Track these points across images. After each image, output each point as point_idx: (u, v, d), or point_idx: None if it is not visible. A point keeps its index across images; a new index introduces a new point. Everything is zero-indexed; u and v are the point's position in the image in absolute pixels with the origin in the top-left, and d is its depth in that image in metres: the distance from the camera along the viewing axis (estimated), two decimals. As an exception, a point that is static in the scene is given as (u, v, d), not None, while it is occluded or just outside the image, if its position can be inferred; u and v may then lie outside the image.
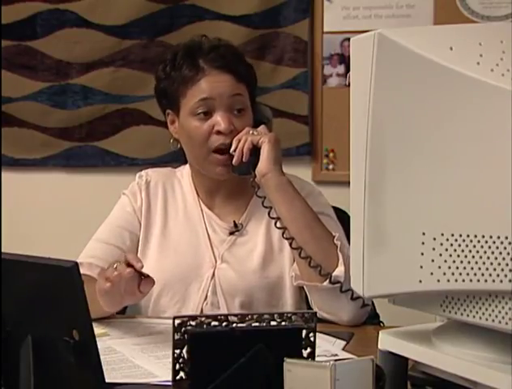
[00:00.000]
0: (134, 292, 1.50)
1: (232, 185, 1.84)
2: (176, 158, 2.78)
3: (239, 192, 1.85)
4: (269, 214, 1.71)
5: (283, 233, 1.69)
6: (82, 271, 1.73)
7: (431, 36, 1.05)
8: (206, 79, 1.76)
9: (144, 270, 1.73)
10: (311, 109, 2.82)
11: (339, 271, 1.64)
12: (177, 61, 1.79)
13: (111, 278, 1.49)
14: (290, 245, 1.69)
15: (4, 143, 3.02)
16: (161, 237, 1.84)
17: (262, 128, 1.77)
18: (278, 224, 1.70)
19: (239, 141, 1.74)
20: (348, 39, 1.15)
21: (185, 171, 1.92)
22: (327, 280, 1.64)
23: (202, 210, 1.86)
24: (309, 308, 1.74)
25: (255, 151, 1.73)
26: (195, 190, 1.88)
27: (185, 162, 1.91)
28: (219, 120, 1.75)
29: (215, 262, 1.80)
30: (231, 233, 1.83)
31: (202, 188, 1.87)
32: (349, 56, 1.12)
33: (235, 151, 1.73)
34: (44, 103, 3.00)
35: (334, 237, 1.69)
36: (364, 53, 1.07)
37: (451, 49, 1.01)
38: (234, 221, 1.83)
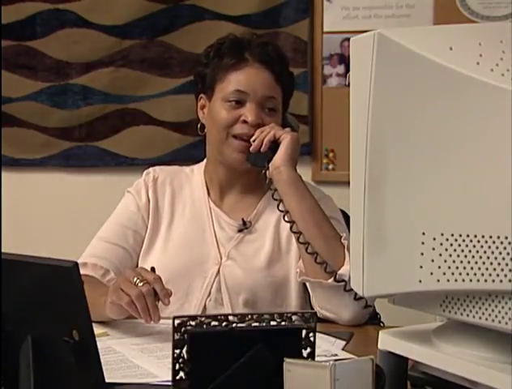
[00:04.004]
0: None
1: (244, 181, 1.85)
2: (176, 158, 2.79)
3: (250, 190, 1.86)
4: (278, 207, 1.72)
5: (291, 227, 1.70)
6: (86, 271, 1.76)
7: (431, 36, 1.05)
8: (247, 69, 1.79)
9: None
10: (311, 109, 2.82)
11: (344, 270, 1.64)
12: (222, 50, 1.82)
13: (139, 308, 1.50)
14: (297, 239, 1.70)
15: (4, 143, 3.02)
16: (167, 234, 1.85)
17: (287, 129, 1.80)
18: (286, 218, 1.71)
19: (262, 132, 1.76)
20: (348, 39, 1.15)
21: (196, 168, 1.94)
22: (332, 278, 1.64)
23: (210, 207, 1.87)
24: (312, 309, 1.74)
25: (274, 146, 1.74)
26: (206, 187, 1.89)
27: (197, 160, 1.93)
28: (248, 111, 1.77)
29: (221, 259, 1.81)
30: (239, 231, 1.83)
31: (215, 183, 1.88)
32: (349, 56, 1.12)
33: (255, 141, 1.75)
34: (44, 103, 3.00)
35: (341, 237, 1.69)
36: (364, 53, 1.07)
37: (451, 49, 1.01)
38: (243, 219, 1.84)
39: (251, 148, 1.76)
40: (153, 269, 1.58)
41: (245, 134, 1.77)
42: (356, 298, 1.61)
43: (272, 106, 1.80)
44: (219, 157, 1.84)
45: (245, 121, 1.77)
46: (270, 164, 1.75)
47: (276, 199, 1.73)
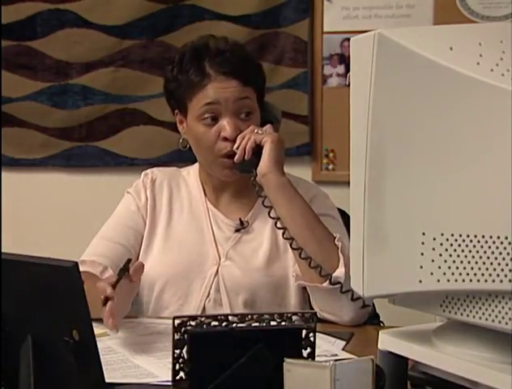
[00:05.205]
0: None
1: (238, 183, 1.84)
2: (176, 158, 2.79)
3: (246, 190, 1.85)
4: (269, 214, 1.72)
5: (283, 233, 1.69)
6: (83, 268, 1.75)
7: (431, 36, 1.05)
8: (212, 84, 1.75)
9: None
10: (311, 109, 2.82)
11: (339, 272, 1.64)
12: (184, 65, 1.79)
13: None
14: (290, 245, 1.69)
15: (4, 143, 3.02)
16: (165, 234, 1.85)
17: (267, 127, 1.77)
18: (278, 224, 1.70)
19: (243, 139, 1.74)
20: (348, 39, 1.15)
21: (191, 170, 1.93)
22: (327, 281, 1.64)
23: (207, 208, 1.87)
24: (312, 308, 1.74)
25: (258, 150, 1.73)
26: (202, 188, 1.89)
27: (194, 161, 1.92)
28: (225, 125, 1.75)
29: (219, 259, 1.81)
30: (236, 231, 1.83)
31: (209, 186, 1.88)
32: (349, 56, 1.12)
33: (238, 148, 1.74)
34: (44, 103, 3.00)
35: (335, 237, 1.69)
36: (364, 53, 1.07)
37: (451, 49, 1.01)
38: (240, 219, 1.83)
39: (235, 159, 1.74)
40: (129, 261, 1.55)
41: (229, 151, 1.75)
42: (354, 299, 1.61)
43: (248, 109, 1.77)
44: (210, 172, 1.84)
45: (225, 138, 1.76)
46: (257, 171, 1.74)
47: (267, 206, 1.72)
